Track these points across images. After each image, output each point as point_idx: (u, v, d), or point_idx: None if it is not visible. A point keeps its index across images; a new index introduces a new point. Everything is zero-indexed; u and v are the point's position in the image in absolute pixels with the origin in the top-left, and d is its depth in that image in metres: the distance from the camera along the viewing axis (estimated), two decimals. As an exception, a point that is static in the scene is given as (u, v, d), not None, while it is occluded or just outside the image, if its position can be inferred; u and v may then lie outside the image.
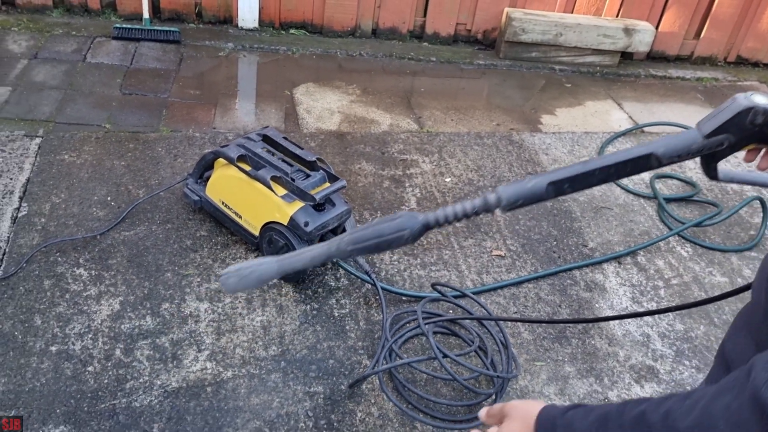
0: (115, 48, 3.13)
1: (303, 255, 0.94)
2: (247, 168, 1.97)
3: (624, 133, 2.98)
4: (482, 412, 0.88)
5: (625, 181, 2.66)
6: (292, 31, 3.47)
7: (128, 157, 2.41)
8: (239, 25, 3.38)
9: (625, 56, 3.67)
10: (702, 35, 3.74)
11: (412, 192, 2.44)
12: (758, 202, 2.47)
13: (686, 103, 3.39)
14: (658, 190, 2.58)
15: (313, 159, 1.97)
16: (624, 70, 3.62)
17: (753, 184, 1.01)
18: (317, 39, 3.47)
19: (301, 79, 3.11)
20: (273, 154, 2.01)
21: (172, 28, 3.22)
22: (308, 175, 1.95)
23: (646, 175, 2.71)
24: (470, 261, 2.16)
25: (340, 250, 0.91)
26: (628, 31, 3.45)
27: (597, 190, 2.58)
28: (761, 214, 2.52)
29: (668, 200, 2.55)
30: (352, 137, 2.71)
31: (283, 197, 1.90)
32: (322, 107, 2.91)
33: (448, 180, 2.53)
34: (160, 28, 3.21)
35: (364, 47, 3.44)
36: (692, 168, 2.82)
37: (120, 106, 2.72)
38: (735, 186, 2.74)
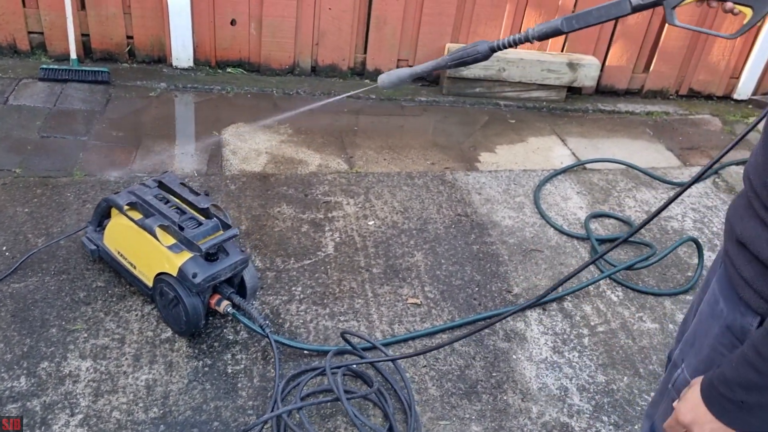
0: (40, 89, 3.08)
1: (421, 66, 1.38)
2: (137, 216, 1.90)
3: (563, 171, 2.93)
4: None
5: (560, 221, 2.60)
6: (228, 69, 3.44)
7: (33, 203, 2.34)
8: (173, 64, 3.35)
9: (574, 91, 3.65)
10: (651, 68, 3.73)
11: (331, 236, 2.36)
12: (693, 243, 2.40)
13: (633, 138, 3.36)
14: (591, 231, 2.51)
15: (206, 206, 1.90)
16: (572, 104, 3.59)
17: (697, 31, 1.32)
18: (254, 78, 3.43)
19: (232, 119, 3.07)
20: (167, 202, 1.94)
21: (101, 68, 3.18)
22: (201, 223, 1.87)
23: (581, 214, 2.65)
24: (383, 310, 2.08)
25: (443, 60, 1.35)
26: (572, 66, 3.43)
27: (529, 233, 2.52)
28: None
29: (602, 241, 2.49)
30: (276, 179, 2.65)
31: (171, 247, 1.82)
32: (250, 148, 2.86)
33: (371, 223, 2.46)
34: (88, 68, 3.17)
35: (302, 85, 3.40)
36: (631, 207, 2.76)
37: (35, 149, 2.66)
38: (675, 224, 2.68)
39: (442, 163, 2.93)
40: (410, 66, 1.80)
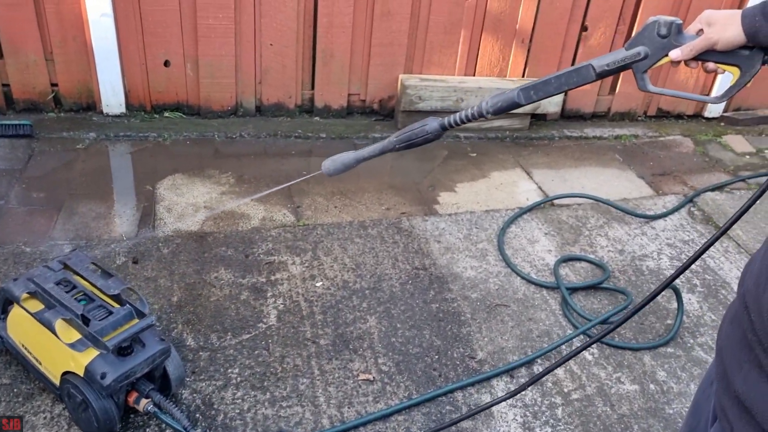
0: (-46, 148, 2.84)
1: (367, 149, 1.39)
2: (37, 308, 1.67)
3: (530, 209, 2.74)
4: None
5: (527, 268, 2.41)
6: (166, 114, 3.22)
7: (-66, 285, 2.08)
8: (104, 111, 3.13)
9: (538, 117, 3.49)
10: (617, 90, 3.59)
11: (274, 303, 2.15)
12: (673, 293, 2.23)
13: (603, 166, 3.19)
14: (561, 279, 2.33)
15: (117, 292, 1.68)
16: (536, 132, 3.43)
17: (674, 96, 1.25)
18: (194, 121, 3.22)
19: (168, 170, 2.85)
20: (72, 288, 1.71)
21: (23, 121, 2.95)
22: (110, 312, 1.65)
23: (550, 259, 2.47)
24: (331, 390, 1.86)
25: (390, 143, 1.35)
26: (534, 93, 3.26)
27: (494, 284, 2.32)
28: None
29: (573, 290, 2.30)
30: (214, 238, 2.43)
31: (75, 344, 1.60)
32: (187, 203, 2.64)
33: (319, 284, 2.25)
34: (8, 121, 2.93)
35: (246, 127, 3.20)
36: (603, 246, 2.58)
37: (-57, 219, 2.41)
38: (650, 263, 2.50)
39: (398, 207, 2.73)
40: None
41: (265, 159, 3.01)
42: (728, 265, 2.53)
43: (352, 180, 2.91)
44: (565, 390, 1.94)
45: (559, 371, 2.01)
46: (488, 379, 1.95)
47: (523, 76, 3.43)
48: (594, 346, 2.11)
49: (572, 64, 3.44)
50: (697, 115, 3.79)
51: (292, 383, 1.88)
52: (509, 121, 3.37)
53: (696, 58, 1.12)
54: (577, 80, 1.17)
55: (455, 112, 3.24)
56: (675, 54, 1.12)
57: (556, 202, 2.85)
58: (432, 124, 1.32)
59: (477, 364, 2.00)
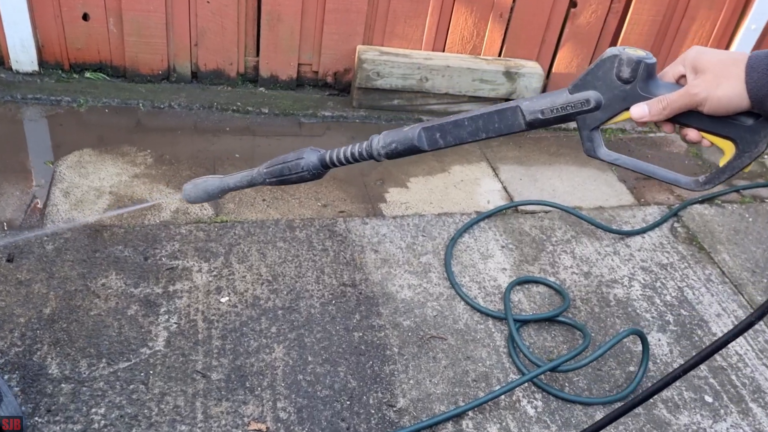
0: None
1: (234, 177, 1.18)
2: None
3: (489, 216, 2.41)
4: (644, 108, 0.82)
5: (474, 290, 2.08)
6: (87, 74, 2.84)
7: None
8: (13, 67, 2.74)
9: (514, 102, 3.11)
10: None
11: (166, 323, 1.82)
12: (637, 336, 1.91)
13: (580, 165, 2.85)
14: (510, 309, 2.01)
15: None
16: (510, 120, 3.05)
17: (635, 170, 0.89)
18: (118, 85, 2.84)
19: (77, 144, 2.49)
20: None
21: None
22: None
23: (502, 280, 2.14)
24: (212, 444, 1.56)
25: (259, 174, 1.14)
26: (510, 75, 2.90)
27: (432, 310, 2.00)
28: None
29: (524, 322, 1.98)
30: (112, 234, 2.09)
31: None
32: (90, 186, 2.29)
33: (224, 300, 1.92)
34: None
35: (178, 96, 2.82)
36: (567, 266, 2.26)
37: None
38: (619, 292, 2.18)
39: (337, 204, 2.39)
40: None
41: (193, 136, 2.65)
42: (708, 298, 2.22)
43: (289, 168, 2.55)
44: (496, 455, 1.64)
45: (493, 429, 1.70)
46: (406, 436, 1.64)
47: (499, 55, 3.04)
48: (539, 398, 1.80)
49: (556, 47, 3.07)
50: (694, 110, 3.43)
51: (167, 431, 1.57)
52: (479, 106, 2.99)
53: (671, 120, 0.79)
54: (500, 127, 0.91)
55: (420, 92, 2.89)
56: (639, 111, 0.80)
57: (520, 207, 2.51)
58: (310, 157, 1.08)
59: (395, 415, 1.69)
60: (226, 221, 2.23)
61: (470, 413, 1.73)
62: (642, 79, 0.80)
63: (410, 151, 0.99)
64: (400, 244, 2.25)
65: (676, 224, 2.55)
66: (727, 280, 2.30)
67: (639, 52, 0.81)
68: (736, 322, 2.13)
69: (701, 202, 2.66)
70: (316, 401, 1.70)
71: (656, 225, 2.48)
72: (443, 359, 1.87)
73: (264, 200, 2.36)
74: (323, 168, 1.09)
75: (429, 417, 1.70)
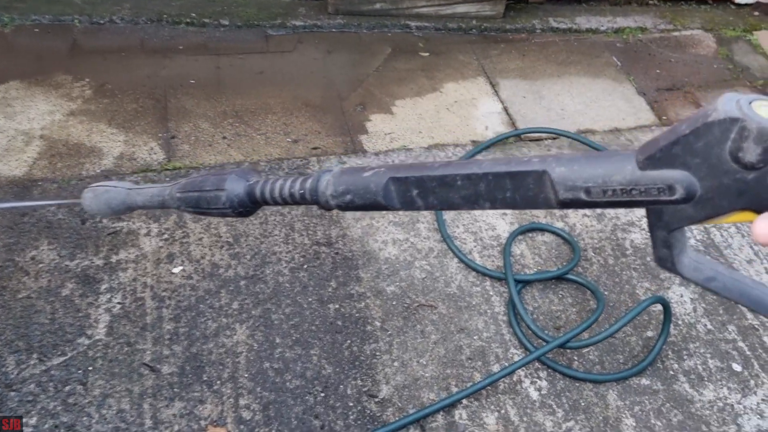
0: None
1: (144, 191, 0.93)
2: None
3: (488, 146, 2.09)
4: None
5: (470, 243, 1.82)
6: (11, -17, 2.43)
7: None
8: None
9: (517, 0, 2.71)
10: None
11: (108, 303, 1.58)
12: (660, 305, 1.65)
13: (594, 76, 2.49)
14: (511, 266, 1.74)
15: None
16: (512, 22, 2.67)
17: (743, 304, 0.54)
18: (49, -4, 2.43)
19: (1, 76, 2.13)
20: None
21: None
22: None
23: (503, 229, 1.87)
24: (163, 456, 1.35)
25: (171, 196, 0.87)
26: (512, -31, 2.47)
27: (420, 270, 1.74)
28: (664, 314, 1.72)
29: (527, 283, 1.73)
30: (44, 191, 1.80)
31: None
32: (18, 129, 1.97)
33: (177, 271, 1.67)
34: None
35: (120, 7, 2.43)
36: (578, 210, 1.96)
37: None
38: (637, 237, 1.91)
39: (310, 138, 2.08)
40: (131, 184, 1.00)
41: (140, 58, 2.28)
42: (738, 241, 1.95)
43: (255, 91, 2.21)
44: (494, 452, 1.44)
45: (490, 419, 1.49)
46: (389, 434, 1.43)
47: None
48: (544, 376, 1.58)
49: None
50: (725, 0, 3.00)
51: (109, 441, 1.36)
52: (477, 7, 2.59)
53: None
54: (515, 198, 0.60)
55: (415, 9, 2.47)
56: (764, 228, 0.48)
57: (527, 136, 2.19)
58: (233, 188, 0.80)
59: (377, 407, 1.48)
60: (180, 168, 1.93)
61: (464, 401, 1.51)
62: None
63: (373, 207, 0.68)
64: (383, 188, 1.94)
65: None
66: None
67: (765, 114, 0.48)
68: (765, 265, 1.88)
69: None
70: (285, 395, 1.48)
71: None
72: (433, 333, 1.63)
73: (224, 138, 2.04)
74: (251, 203, 0.79)
75: (416, 408, 1.48)
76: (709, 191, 0.50)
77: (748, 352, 1.69)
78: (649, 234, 0.56)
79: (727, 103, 0.47)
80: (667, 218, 0.54)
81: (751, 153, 0.46)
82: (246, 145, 2.03)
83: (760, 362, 1.67)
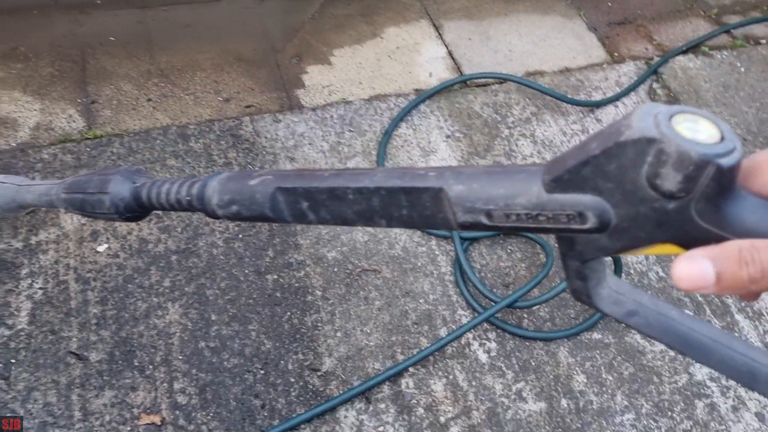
0: None
1: (34, 189, 0.84)
2: None
3: (431, 95, 2.00)
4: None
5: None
6: None
7: None
8: None
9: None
10: None
11: (29, 289, 1.49)
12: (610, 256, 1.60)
13: (543, 13, 2.38)
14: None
15: None
16: (457, -43, 2.52)
17: (663, 342, 0.48)
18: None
19: None
20: None
21: None
22: None
23: (449, 184, 1.79)
24: (94, 449, 1.29)
25: (57, 196, 0.78)
26: None
27: (362, 235, 1.67)
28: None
29: (473, 240, 1.67)
30: (-48, 170, 1.67)
31: None
32: None
33: (102, 249, 1.57)
34: None
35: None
36: (527, 155, 1.90)
37: None
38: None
39: (243, 96, 1.96)
40: (24, 178, 0.89)
41: (54, 15, 2.12)
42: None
43: (181, 46, 2.07)
44: (442, 420, 1.40)
45: (437, 385, 1.45)
46: (333, 409, 1.39)
47: None
48: (493, 337, 1.54)
49: None
50: None
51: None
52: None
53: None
54: (411, 216, 0.52)
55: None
56: (688, 272, 0.41)
57: (469, 81, 2.09)
58: (118, 190, 0.71)
59: (320, 381, 1.43)
60: (101, 136, 1.80)
61: (411, 369, 1.46)
62: (707, 195, 0.39)
63: (263, 219, 0.60)
64: (321, 145, 1.85)
65: (655, 84, 2.17)
66: (714, 154, 1.97)
67: (703, 131, 0.39)
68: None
69: (685, 51, 2.25)
70: (222, 375, 1.41)
71: (631, 89, 2.09)
72: (377, 299, 1.57)
73: (149, 100, 1.91)
74: (140, 209, 0.70)
75: (361, 380, 1.43)
76: (624, 220, 0.42)
77: (699, 298, 1.66)
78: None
79: (643, 119, 0.39)
80: (579, 248, 0.46)
81: (669, 180, 0.39)
82: (173, 107, 1.90)
83: (712, 307, 1.65)
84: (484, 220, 0.47)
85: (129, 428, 1.33)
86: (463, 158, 1.87)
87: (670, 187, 0.39)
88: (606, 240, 0.44)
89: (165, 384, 1.39)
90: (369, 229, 1.69)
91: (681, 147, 0.38)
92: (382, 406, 1.41)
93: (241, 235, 1.64)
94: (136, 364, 1.41)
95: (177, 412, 1.36)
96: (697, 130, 0.39)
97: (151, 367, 1.41)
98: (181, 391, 1.39)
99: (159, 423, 1.34)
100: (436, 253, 1.67)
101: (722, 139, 0.39)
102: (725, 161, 0.38)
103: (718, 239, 0.40)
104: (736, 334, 1.59)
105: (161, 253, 1.59)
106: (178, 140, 1.81)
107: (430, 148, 1.88)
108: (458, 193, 0.47)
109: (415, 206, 0.50)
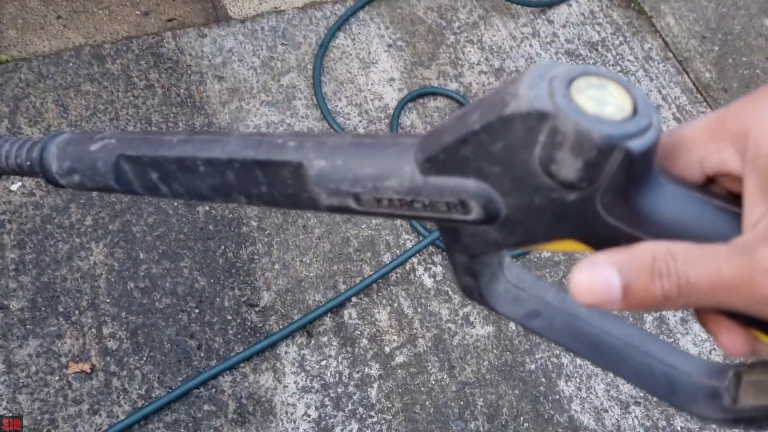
0: None
1: None
2: None
3: (370, 0, 1.85)
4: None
5: (354, 118, 1.65)
6: None
7: None
8: None
9: None
10: None
11: (-63, 236, 1.38)
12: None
13: None
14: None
15: None
16: None
17: (571, 349, 0.42)
18: None
19: None
20: None
21: None
22: None
23: (391, 96, 1.69)
24: (23, 403, 1.23)
25: None
26: None
27: (297, 157, 1.57)
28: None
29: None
30: None
31: None
32: None
33: (15, 188, 1.47)
34: None
35: None
36: (474, 63, 1.79)
37: None
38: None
39: (163, 8, 1.79)
40: None
41: None
42: (646, 85, 1.83)
43: (89, -41, 1.87)
44: (387, 350, 1.37)
45: (381, 314, 1.41)
46: (273, 345, 1.34)
47: None
48: (438, 261, 1.49)
49: None
50: None
51: (-44, 396, 1.23)
52: None
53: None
54: (271, 194, 0.43)
55: None
56: (587, 283, 0.32)
57: (412, -20, 1.93)
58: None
59: (258, 317, 1.37)
60: (7, 61, 1.64)
61: (353, 298, 1.42)
62: (614, 186, 0.31)
63: (110, 190, 0.50)
64: (252, 61, 1.72)
65: (611, -21, 2.03)
66: (671, 54, 1.89)
67: (611, 101, 0.31)
68: (677, 114, 1.77)
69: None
70: (154, 316, 1.35)
71: None
72: (317, 227, 1.49)
73: (59, 17, 1.74)
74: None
75: (301, 313, 1.38)
76: (516, 211, 0.34)
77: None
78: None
79: (534, 84, 0.30)
80: (466, 240, 0.38)
81: (567, 167, 0.30)
82: (86, 24, 1.73)
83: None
84: (352, 204, 0.38)
85: (57, 378, 1.27)
86: (406, 68, 1.75)
87: (567, 175, 0.30)
88: (496, 233, 0.36)
89: (93, 329, 1.32)
90: (306, 151, 1.59)
91: (580, 125, 0.29)
92: (325, 339, 1.37)
93: (167, 165, 1.53)
94: (61, 310, 1.34)
95: (108, 358, 1.30)
96: (604, 101, 0.30)
97: (77, 312, 1.34)
98: (110, 336, 1.32)
99: (89, 370, 1.29)
100: (379, 174, 1.58)
101: (635, 112, 0.30)
102: (636, 144, 0.29)
103: (630, 239, 0.32)
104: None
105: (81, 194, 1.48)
106: (93, 62, 1.66)
107: (371, 59, 1.76)
108: (320, 171, 0.38)
109: (274, 183, 0.41)
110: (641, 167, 0.30)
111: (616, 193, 0.31)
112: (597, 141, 0.29)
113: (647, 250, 0.30)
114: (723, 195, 0.33)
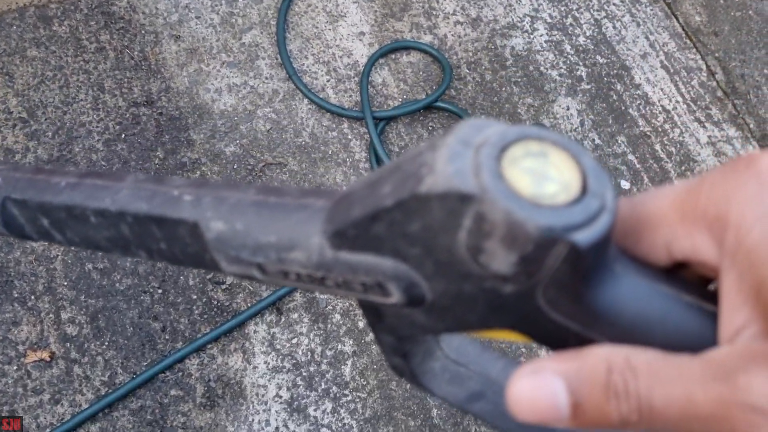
0: None
1: None
2: None
3: (337, -55, 1.73)
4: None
5: (322, 77, 1.56)
6: None
7: None
8: None
9: None
10: None
11: None
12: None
13: None
14: (369, 102, 1.51)
15: None
16: None
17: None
18: None
19: None
20: None
21: None
22: None
23: (361, 54, 1.60)
24: (-22, 395, 1.19)
25: None
26: None
27: (264, 119, 1.50)
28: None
29: (389, 119, 1.51)
30: None
31: None
32: None
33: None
34: None
35: None
36: (449, 14, 1.69)
37: None
38: (519, 42, 1.68)
39: (113, -38, 1.67)
40: None
41: None
42: (633, 31, 1.74)
43: None
44: (360, 324, 1.33)
45: (355, 288, 1.35)
46: (241, 324, 1.29)
47: None
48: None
49: None
50: None
51: None
52: None
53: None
54: (169, 250, 0.35)
55: None
56: (526, 396, 0.25)
57: None
58: None
59: (225, 295, 1.32)
60: (-56, 25, 1.53)
61: (324, 272, 1.36)
62: (558, 282, 0.24)
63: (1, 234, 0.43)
64: (211, 18, 1.61)
65: None
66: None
67: (553, 177, 0.24)
68: (665, 62, 1.69)
69: None
70: (115, 299, 1.30)
71: None
72: (285, 197, 1.42)
73: (-1, -26, 1.62)
74: None
75: (270, 290, 1.33)
76: (443, 297, 0.27)
77: (637, 165, 1.56)
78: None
79: (455, 156, 0.24)
80: (390, 322, 0.31)
81: (499, 260, 0.24)
82: (30, -18, 1.62)
83: (650, 174, 1.55)
84: (257, 274, 0.32)
85: (15, 368, 1.22)
86: (376, 21, 1.65)
87: (500, 268, 0.24)
88: (423, 318, 0.29)
89: (51, 315, 1.27)
90: (272, 116, 1.51)
91: (511, 214, 0.22)
92: (295, 316, 1.32)
93: (124, 135, 1.45)
94: (16, 295, 1.28)
95: (68, 345, 1.25)
96: (544, 176, 0.24)
97: (33, 297, 1.28)
98: (69, 321, 1.27)
99: (48, 359, 1.24)
100: (349, 137, 1.51)
101: (584, 190, 0.24)
102: (584, 236, 0.23)
103: (581, 339, 0.26)
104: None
105: (31, 163, 1.40)
106: (39, 24, 1.55)
107: (338, 12, 1.66)
108: (218, 235, 0.32)
109: (172, 241, 0.34)
110: (591, 260, 0.24)
111: (561, 289, 0.24)
112: (533, 234, 0.22)
113: (601, 360, 0.24)
114: (694, 284, 0.26)
